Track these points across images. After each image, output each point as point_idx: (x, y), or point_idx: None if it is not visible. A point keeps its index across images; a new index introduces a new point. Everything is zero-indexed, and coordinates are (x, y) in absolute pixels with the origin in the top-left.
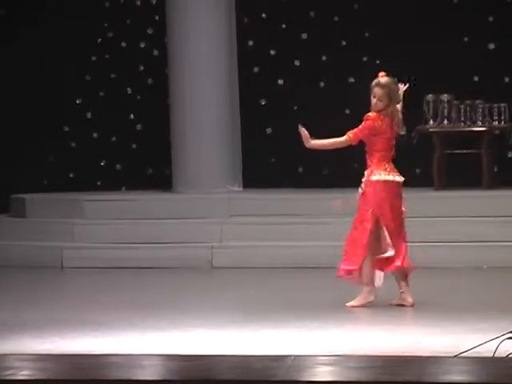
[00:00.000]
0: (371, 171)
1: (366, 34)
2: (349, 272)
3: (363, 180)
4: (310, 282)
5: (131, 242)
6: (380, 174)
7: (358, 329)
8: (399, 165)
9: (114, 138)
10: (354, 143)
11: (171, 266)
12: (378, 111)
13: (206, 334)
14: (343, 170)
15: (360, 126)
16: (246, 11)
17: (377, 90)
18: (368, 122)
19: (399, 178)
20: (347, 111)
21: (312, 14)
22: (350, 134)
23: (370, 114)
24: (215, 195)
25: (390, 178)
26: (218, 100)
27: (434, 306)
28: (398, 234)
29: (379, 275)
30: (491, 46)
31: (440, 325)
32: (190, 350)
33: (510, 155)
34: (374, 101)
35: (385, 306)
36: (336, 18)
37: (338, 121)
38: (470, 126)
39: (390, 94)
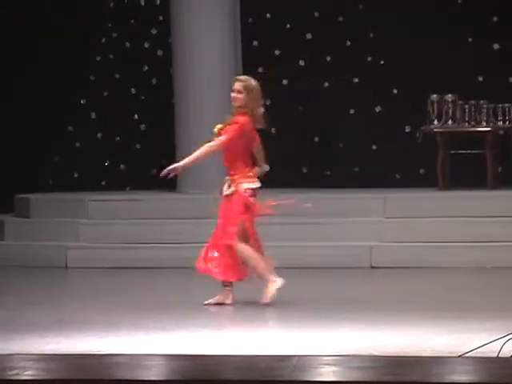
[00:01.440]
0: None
1: (371, 35)
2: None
3: (230, 185)
4: (313, 282)
5: (136, 242)
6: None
7: (361, 329)
8: (404, 165)
9: (118, 138)
10: (222, 148)
11: (176, 267)
12: (239, 107)
13: (211, 334)
14: (345, 172)
15: (231, 130)
16: (251, 11)
17: (236, 84)
18: (237, 125)
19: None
20: (351, 111)
21: (316, 14)
22: (220, 138)
23: (240, 118)
24: (218, 197)
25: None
26: (222, 100)
27: (438, 306)
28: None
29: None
30: (496, 47)
31: (444, 324)
32: (194, 350)
33: None
34: (233, 95)
35: (388, 308)
36: (340, 18)
37: (342, 121)
38: (474, 126)
39: (248, 89)
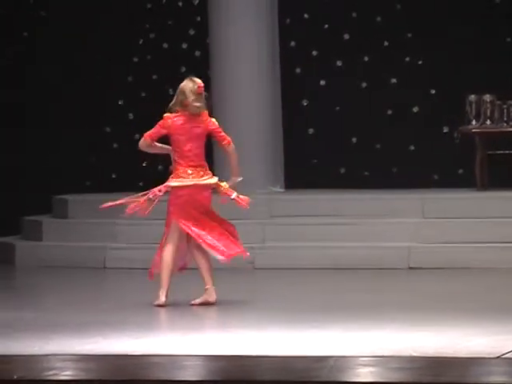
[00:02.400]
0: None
1: (409, 35)
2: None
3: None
4: (350, 283)
5: None
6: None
7: (399, 330)
8: (442, 165)
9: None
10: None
11: (213, 267)
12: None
13: (248, 334)
14: (383, 172)
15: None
16: (288, 12)
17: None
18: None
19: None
20: (389, 112)
21: (354, 14)
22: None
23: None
24: (257, 196)
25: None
26: (259, 101)
27: (477, 307)
28: None
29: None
30: None
31: (482, 325)
32: (231, 350)
33: None
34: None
35: (426, 308)
36: (378, 19)
37: (380, 121)
38: None
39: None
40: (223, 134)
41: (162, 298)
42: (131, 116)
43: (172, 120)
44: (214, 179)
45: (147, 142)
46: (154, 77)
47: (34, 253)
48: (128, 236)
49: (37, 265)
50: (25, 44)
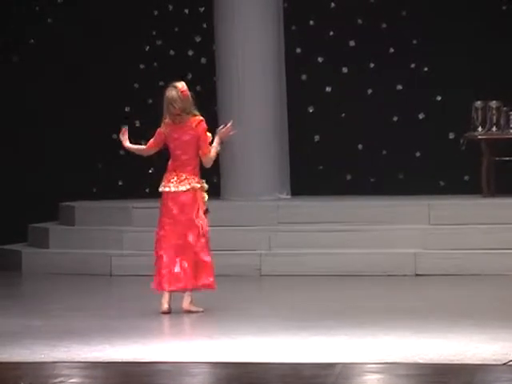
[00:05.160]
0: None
1: (414, 41)
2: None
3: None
4: (357, 290)
5: None
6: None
7: (406, 336)
8: (448, 172)
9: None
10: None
11: (219, 274)
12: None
13: (255, 341)
14: (389, 179)
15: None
16: (294, 18)
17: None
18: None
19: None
20: (395, 118)
21: (360, 21)
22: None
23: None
24: (263, 203)
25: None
26: (265, 107)
27: (483, 314)
28: None
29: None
30: None
31: (489, 332)
32: (238, 357)
33: None
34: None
35: (433, 315)
36: (384, 25)
37: (386, 128)
38: None
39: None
40: (207, 144)
41: (165, 305)
42: (138, 123)
43: (162, 129)
44: (194, 185)
45: (146, 147)
46: (161, 83)
47: (40, 260)
48: (134, 243)
49: (43, 272)
50: (31, 49)
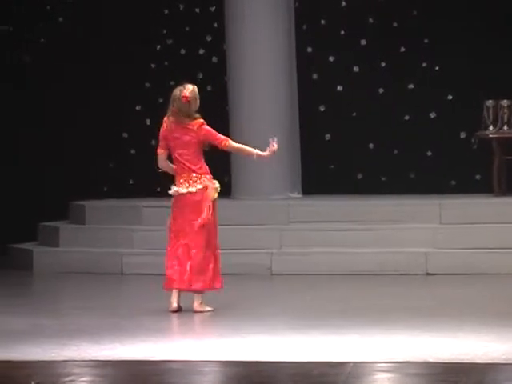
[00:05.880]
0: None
1: (425, 40)
2: None
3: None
4: (368, 289)
5: None
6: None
7: (417, 335)
8: (459, 171)
9: None
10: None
11: (230, 273)
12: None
13: (265, 340)
14: (401, 178)
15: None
16: (305, 17)
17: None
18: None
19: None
20: (406, 117)
21: (371, 20)
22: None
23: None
24: (274, 202)
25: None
26: (276, 106)
27: (494, 313)
28: None
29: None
30: None
31: (500, 331)
32: (249, 356)
33: None
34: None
35: (444, 314)
36: (395, 24)
37: (397, 127)
38: None
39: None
40: (218, 137)
41: (174, 304)
42: (148, 122)
43: (166, 124)
44: (199, 186)
45: (160, 156)
46: (172, 83)
47: (51, 259)
48: (145, 242)
49: (54, 271)
50: (42, 48)
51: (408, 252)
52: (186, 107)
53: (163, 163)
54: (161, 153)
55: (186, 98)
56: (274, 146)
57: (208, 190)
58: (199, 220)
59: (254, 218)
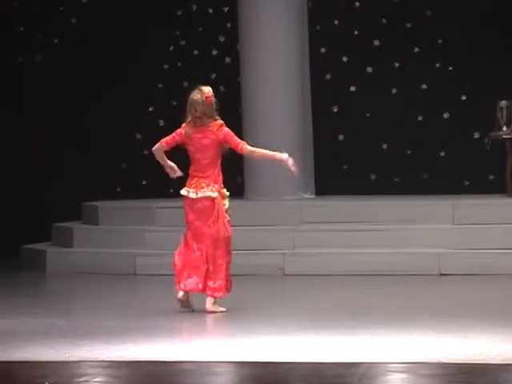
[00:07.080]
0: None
1: (439, 41)
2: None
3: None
4: (381, 289)
5: None
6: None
7: (430, 336)
8: (473, 171)
9: None
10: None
11: (243, 274)
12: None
13: (278, 341)
14: (414, 178)
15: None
16: (318, 18)
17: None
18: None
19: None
20: (420, 118)
21: (384, 20)
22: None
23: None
24: (287, 202)
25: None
26: (289, 107)
27: (507, 313)
28: None
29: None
30: None
31: (510, 332)
32: (261, 357)
33: None
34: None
35: (457, 315)
36: (408, 25)
37: (410, 127)
38: None
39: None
40: (236, 140)
41: (180, 293)
42: (162, 123)
43: (185, 130)
44: (211, 194)
45: (161, 145)
46: (185, 83)
47: (64, 259)
48: (158, 242)
49: (67, 271)
50: (54, 50)
51: (421, 252)
52: (210, 108)
53: (158, 152)
54: (163, 145)
55: (209, 97)
56: (292, 167)
57: (216, 200)
58: (211, 229)
59: (267, 219)
